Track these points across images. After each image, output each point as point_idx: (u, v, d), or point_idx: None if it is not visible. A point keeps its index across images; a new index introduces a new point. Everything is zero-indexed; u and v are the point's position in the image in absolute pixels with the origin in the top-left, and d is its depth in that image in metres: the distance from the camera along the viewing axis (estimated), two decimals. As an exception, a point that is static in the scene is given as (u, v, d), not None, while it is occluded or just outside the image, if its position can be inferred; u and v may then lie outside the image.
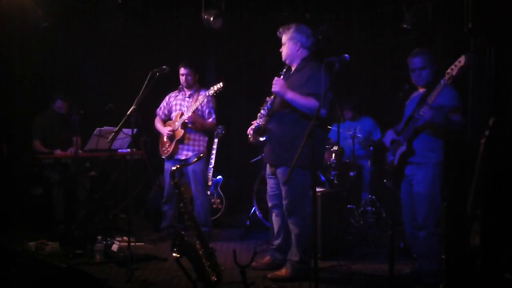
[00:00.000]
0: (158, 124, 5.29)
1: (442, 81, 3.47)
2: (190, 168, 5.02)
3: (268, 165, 4.13)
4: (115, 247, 4.41)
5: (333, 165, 5.31)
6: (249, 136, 3.97)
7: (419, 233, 3.82)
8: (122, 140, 5.32)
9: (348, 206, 5.40)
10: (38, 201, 5.34)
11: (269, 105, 3.96)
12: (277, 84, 3.83)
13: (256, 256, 3.68)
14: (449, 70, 3.41)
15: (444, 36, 5.00)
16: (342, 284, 3.95)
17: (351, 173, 5.68)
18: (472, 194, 3.05)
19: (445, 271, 3.28)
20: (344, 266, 4.36)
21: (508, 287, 2.79)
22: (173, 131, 5.09)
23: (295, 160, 3.16)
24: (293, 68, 4.01)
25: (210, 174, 5.78)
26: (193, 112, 4.95)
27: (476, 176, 3.05)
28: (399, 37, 6.16)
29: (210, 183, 5.78)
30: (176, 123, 5.09)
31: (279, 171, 3.95)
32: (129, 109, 4.07)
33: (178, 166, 3.89)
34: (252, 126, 3.97)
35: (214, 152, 5.84)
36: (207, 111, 5.13)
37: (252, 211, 5.68)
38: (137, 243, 4.64)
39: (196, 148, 5.08)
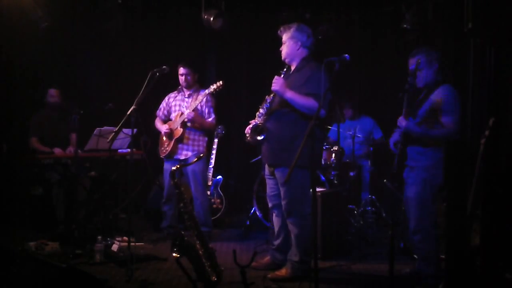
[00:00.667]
0: (158, 124, 5.29)
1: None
2: (189, 168, 5.01)
3: (266, 166, 4.13)
4: (115, 247, 4.41)
5: (333, 165, 5.31)
6: (247, 135, 3.97)
7: (413, 237, 3.82)
8: (122, 140, 5.32)
9: (348, 206, 5.40)
10: (38, 201, 5.34)
11: (268, 104, 3.95)
12: (277, 83, 3.82)
13: (256, 256, 3.68)
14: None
15: (444, 36, 5.00)
16: (342, 284, 3.95)
17: (351, 173, 5.67)
18: (472, 194, 3.05)
19: (445, 271, 3.28)
20: (344, 266, 4.36)
21: (508, 287, 2.79)
22: (172, 129, 5.08)
23: (295, 160, 3.16)
24: (292, 68, 4.00)
25: (210, 174, 5.78)
26: (193, 110, 4.95)
27: (476, 176, 3.05)
28: (399, 37, 6.16)
29: (210, 183, 5.78)
30: (176, 123, 5.08)
31: (277, 172, 3.95)
32: (129, 109, 4.07)
33: (178, 166, 3.88)
34: (250, 125, 3.97)
35: (214, 152, 5.84)
36: (206, 110, 5.13)
37: (252, 211, 5.68)
38: (137, 243, 4.64)
39: (196, 148, 5.08)
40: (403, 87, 3.84)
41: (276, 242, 4.17)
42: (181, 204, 3.66)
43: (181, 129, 5.02)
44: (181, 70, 5.13)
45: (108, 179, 5.38)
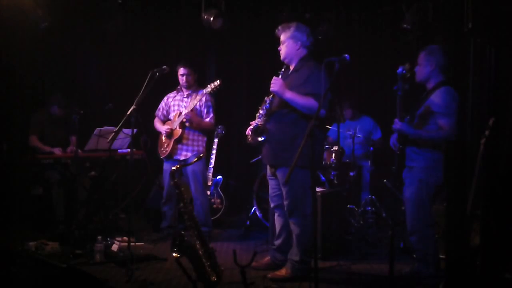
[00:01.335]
0: (158, 124, 5.29)
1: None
2: (189, 168, 5.01)
3: (268, 166, 4.13)
4: (115, 247, 4.41)
5: (333, 165, 5.31)
6: (248, 136, 3.97)
7: (410, 238, 3.82)
8: (122, 140, 5.32)
9: (348, 206, 5.39)
10: (38, 201, 5.34)
11: (267, 105, 3.94)
12: (276, 83, 3.81)
13: (256, 256, 3.68)
14: None
15: (444, 36, 5.00)
16: (342, 284, 3.95)
17: (351, 173, 5.67)
18: (472, 194, 3.05)
19: (445, 271, 3.28)
20: (344, 266, 4.35)
21: (508, 287, 2.79)
22: (171, 129, 5.08)
23: (295, 161, 3.16)
24: (291, 68, 4.00)
25: (210, 174, 5.78)
26: (191, 110, 4.94)
27: (476, 176, 3.05)
28: (399, 37, 6.16)
29: (210, 183, 5.78)
30: (174, 123, 5.08)
31: (279, 172, 3.95)
32: (129, 109, 4.07)
33: (177, 166, 3.88)
34: (251, 127, 3.96)
35: (214, 152, 5.83)
36: (205, 110, 5.12)
37: (252, 211, 5.68)
38: (137, 243, 4.65)
39: (196, 148, 5.07)
40: (403, 87, 3.86)
41: (277, 242, 4.17)
42: (181, 204, 3.65)
43: (180, 130, 5.02)
44: (181, 70, 5.12)
45: (108, 179, 5.38)
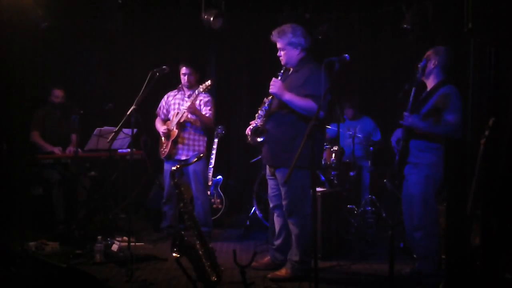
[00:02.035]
0: (158, 124, 5.28)
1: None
2: (190, 168, 5.01)
3: (267, 166, 4.13)
4: (115, 247, 4.40)
5: (333, 165, 5.31)
6: (247, 136, 3.97)
7: (415, 234, 3.83)
8: (122, 140, 5.32)
9: (348, 206, 5.40)
10: (38, 201, 5.34)
11: (266, 106, 3.94)
12: (275, 85, 3.81)
13: (256, 256, 3.68)
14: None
15: (444, 36, 5.00)
16: (342, 284, 3.95)
17: (351, 173, 5.67)
18: (472, 194, 3.05)
19: (445, 271, 3.29)
20: (344, 266, 4.36)
21: (508, 287, 2.79)
22: (169, 130, 5.08)
23: (294, 161, 3.16)
24: (291, 69, 4.00)
25: (210, 174, 5.78)
26: (191, 102, 4.88)
27: (476, 176, 3.05)
28: (399, 37, 6.16)
29: (210, 183, 5.78)
30: (172, 123, 5.08)
31: (278, 172, 3.95)
32: (129, 109, 4.07)
33: (178, 166, 3.88)
34: (250, 127, 3.96)
35: (214, 152, 5.84)
36: (203, 106, 5.08)
37: (252, 211, 5.68)
38: (137, 243, 4.65)
39: (196, 148, 5.07)
40: (403, 87, 3.86)
41: (277, 242, 4.17)
42: (181, 204, 3.66)
43: (177, 130, 5.01)
44: (184, 70, 5.12)
45: (108, 179, 5.38)
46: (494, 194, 2.85)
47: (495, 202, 2.83)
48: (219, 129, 5.88)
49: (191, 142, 5.06)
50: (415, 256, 4.04)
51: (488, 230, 2.80)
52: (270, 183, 4.14)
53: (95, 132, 5.26)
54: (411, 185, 3.82)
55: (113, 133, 4.42)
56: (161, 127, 5.16)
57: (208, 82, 4.81)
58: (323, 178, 5.28)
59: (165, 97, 5.32)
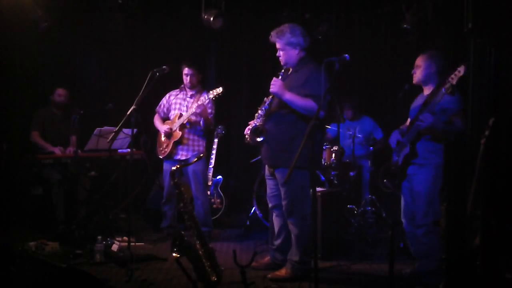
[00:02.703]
0: (157, 122, 5.28)
1: (443, 89, 3.48)
2: (190, 168, 5.01)
3: (266, 166, 4.13)
4: (115, 247, 4.41)
5: (333, 165, 5.31)
6: (246, 136, 3.97)
7: (417, 231, 3.84)
8: (122, 140, 5.32)
9: (348, 206, 5.40)
10: (38, 201, 5.34)
11: (266, 106, 3.94)
12: (275, 85, 3.81)
13: (256, 256, 3.68)
14: (449, 79, 3.43)
15: (444, 36, 5.00)
16: (342, 284, 3.95)
17: (351, 173, 5.67)
18: (472, 194, 3.05)
19: (445, 271, 3.28)
20: (344, 266, 4.36)
21: (508, 287, 2.79)
22: (171, 129, 5.07)
23: (294, 161, 3.15)
24: (291, 69, 4.00)
25: (210, 174, 5.78)
26: (200, 104, 4.85)
27: (476, 176, 3.05)
28: (399, 37, 6.16)
29: (210, 183, 5.78)
30: (175, 124, 5.07)
31: (277, 172, 3.95)
32: (129, 109, 4.07)
33: (178, 166, 3.88)
34: (249, 127, 3.96)
35: (214, 152, 5.83)
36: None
37: (252, 211, 5.68)
38: (137, 243, 4.65)
39: (196, 148, 5.07)
40: (403, 87, 3.85)
41: (277, 242, 4.17)
42: (181, 204, 3.66)
43: (180, 132, 5.01)
44: (186, 70, 5.11)
45: (108, 179, 5.38)
46: (494, 194, 2.85)
47: (495, 202, 2.83)
48: (219, 129, 5.88)
49: (190, 142, 5.07)
50: (413, 256, 4.04)
51: (488, 230, 2.80)
52: (269, 183, 4.14)
53: (95, 132, 5.26)
54: (417, 183, 3.81)
55: (113, 133, 4.42)
56: (162, 126, 5.15)
57: (219, 90, 4.77)
58: (323, 178, 5.28)
59: (167, 95, 5.31)
